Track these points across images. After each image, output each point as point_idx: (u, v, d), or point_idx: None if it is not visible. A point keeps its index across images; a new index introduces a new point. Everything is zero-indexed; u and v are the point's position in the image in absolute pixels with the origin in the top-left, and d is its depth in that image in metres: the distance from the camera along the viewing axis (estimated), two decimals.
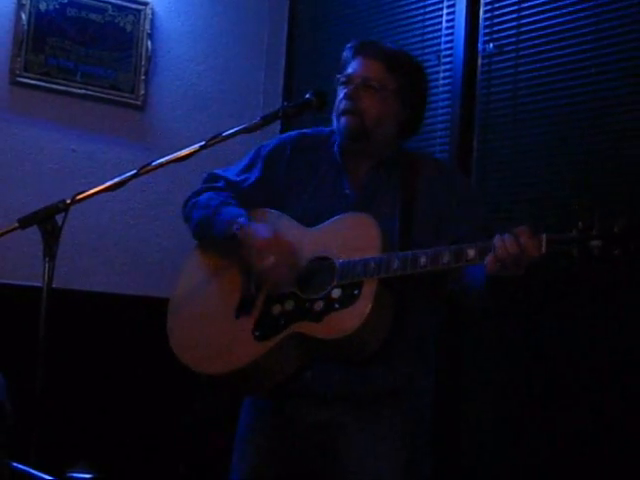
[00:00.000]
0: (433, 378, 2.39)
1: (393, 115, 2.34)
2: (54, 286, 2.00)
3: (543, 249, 1.93)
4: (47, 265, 1.98)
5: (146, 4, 3.74)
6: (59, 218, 2.03)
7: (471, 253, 2.02)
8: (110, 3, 3.67)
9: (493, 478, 2.94)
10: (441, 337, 2.54)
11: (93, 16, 3.64)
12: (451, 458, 3.03)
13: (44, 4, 3.52)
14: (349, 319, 2.10)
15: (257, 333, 2.23)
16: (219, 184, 2.46)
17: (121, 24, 3.70)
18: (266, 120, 2.28)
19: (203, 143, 2.22)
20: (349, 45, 2.39)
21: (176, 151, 2.23)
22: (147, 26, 3.74)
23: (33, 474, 1.90)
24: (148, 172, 2.20)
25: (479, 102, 3.14)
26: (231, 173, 2.48)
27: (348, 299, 2.13)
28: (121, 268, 3.67)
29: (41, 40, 3.52)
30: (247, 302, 2.30)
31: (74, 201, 2.08)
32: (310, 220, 2.31)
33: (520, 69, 3.02)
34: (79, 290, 3.51)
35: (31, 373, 1.97)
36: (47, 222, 2.01)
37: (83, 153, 3.62)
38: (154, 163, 2.20)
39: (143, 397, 3.50)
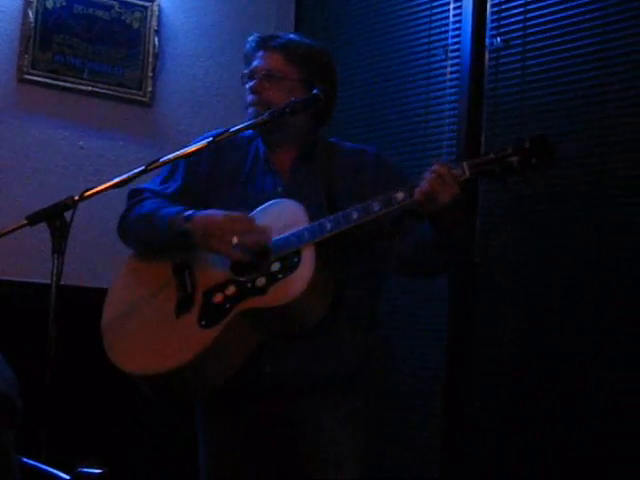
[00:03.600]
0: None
1: None
2: (63, 283, 2.00)
3: (467, 173, 2.07)
4: (56, 262, 1.98)
5: (152, 1, 3.74)
6: (67, 215, 2.04)
7: (400, 195, 2.11)
8: (117, 0, 3.68)
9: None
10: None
11: (100, 13, 3.64)
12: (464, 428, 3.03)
13: (51, 2, 3.53)
14: (294, 283, 2.13)
15: (203, 322, 2.21)
16: (145, 195, 2.42)
17: (128, 21, 3.70)
18: (273, 116, 2.27)
19: (211, 139, 2.22)
20: (250, 39, 2.43)
21: (184, 147, 2.23)
22: (154, 23, 3.74)
23: (43, 470, 1.91)
24: (156, 168, 2.21)
25: (486, 96, 3.13)
26: (153, 184, 2.46)
27: (289, 267, 2.15)
28: None
29: (48, 37, 3.53)
30: (185, 301, 2.27)
31: (82, 198, 2.08)
32: None
33: (527, 63, 3.01)
34: (87, 287, 3.51)
35: (41, 369, 1.98)
36: (55, 219, 2.01)
37: (91, 150, 3.63)
38: (162, 159, 2.20)
39: None
